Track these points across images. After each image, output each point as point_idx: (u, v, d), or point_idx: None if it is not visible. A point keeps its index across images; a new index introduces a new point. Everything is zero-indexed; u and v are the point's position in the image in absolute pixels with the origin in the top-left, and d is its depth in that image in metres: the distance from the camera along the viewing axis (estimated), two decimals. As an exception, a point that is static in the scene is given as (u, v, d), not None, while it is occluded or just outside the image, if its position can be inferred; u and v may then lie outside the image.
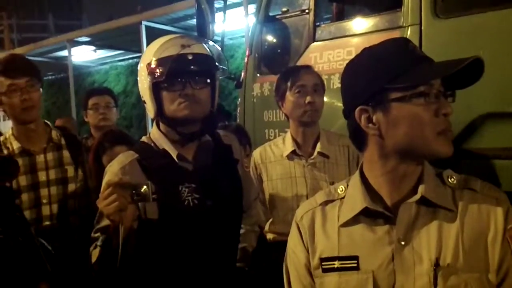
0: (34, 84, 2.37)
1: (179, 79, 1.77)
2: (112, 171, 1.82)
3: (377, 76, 1.20)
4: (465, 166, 1.91)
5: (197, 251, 1.82)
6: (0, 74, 2.33)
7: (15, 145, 2.38)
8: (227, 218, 1.91)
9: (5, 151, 2.35)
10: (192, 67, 1.78)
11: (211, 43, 1.94)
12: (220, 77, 1.94)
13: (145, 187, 1.60)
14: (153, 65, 1.77)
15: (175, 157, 1.84)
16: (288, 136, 2.62)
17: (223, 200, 1.88)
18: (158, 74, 1.76)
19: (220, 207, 1.86)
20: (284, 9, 3.50)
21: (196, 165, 1.87)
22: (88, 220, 2.44)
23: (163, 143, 1.87)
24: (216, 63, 1.87)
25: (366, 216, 1.26)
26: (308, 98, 2.48)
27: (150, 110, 1.87)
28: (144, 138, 1.96)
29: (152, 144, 1.90)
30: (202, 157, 1.89)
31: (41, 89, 2.42)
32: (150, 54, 1.81)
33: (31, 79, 2.36)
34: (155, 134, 1.91)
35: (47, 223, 2.39)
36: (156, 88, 1.80)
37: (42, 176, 2.40)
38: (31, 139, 2.43)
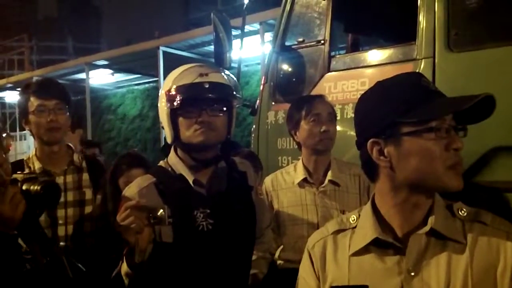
0: (62, 107, 2.43)
1: (195, 106, 1.82)
2: (130, 193, 1.86)
3: (389, 110, 1.23)
4: (477, 199, 1.92)
5: (209, 275, 1.83)
6: (32, 94, 2.40)
7: (37, 165, 2.43)
8: (240, 244, 1.93)
9: (27, 170, 2.40)
10: (208, 94, 1.82)
11: (227, 72, 1.98)
12: (237, 106, 1.98)
13: (161, 211, 1.62)
14: (171, 92, 1.82)
15: (191, 182, 1.87)
16: (300, 164, 2.65)
17: (236, 226, 1.90)
18: (176, 100, 1.81)
19: (233, 233, 1.88)
20: (300, 39, 3.55)
21: (211, 191, 1.90)
22: (104, 242, 2.49)
23: (180, 168, 1.90)
24: (233, 92, 1.90)
25: (377, 246, 1.28)
26: (323, 127, 2.51)
27: (167, 135, 1.91)
28: (161, 163, 1.99)
29: (169, 169, 1.93)
30: (217, 183, 1.92)
31: (68, 113, 2.47)
32: (170, 81, 1.87)
33: (60, 102, 2.42)
34: (172, 159, 1.94)
35: (62, 243, 2.42)
36: (173, 114, 1.85)
37: (62, 197, 2.44)
38: (53, 160, 2.48)
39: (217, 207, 1.86)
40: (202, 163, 1.90)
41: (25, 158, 2.48)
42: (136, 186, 1.88)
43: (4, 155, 1.66)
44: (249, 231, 2.00)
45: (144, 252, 1.68)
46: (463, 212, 1.29)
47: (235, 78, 2.01)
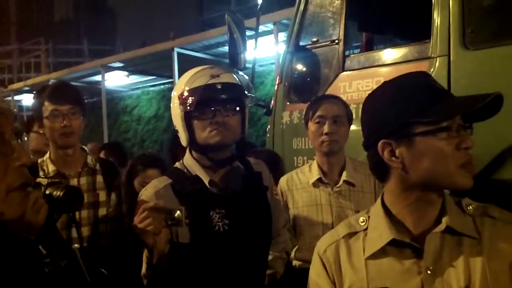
0: (76, 112, 2.45)
1: (209, 108, 1.84)
2: (146, 195, 1.88)
3: (401, 110, 1.23)
4: (495, 197, 1.91)
5: (225, 275, 1.85)
6: (46, 99, 2.43)
7: (51, 168, 2.46)
8: (256, 244, 1.94)
9: (41, 173, 2.43)
10: (221, 95, 1.84)
11: (240, 73, 2.00)
12: (249, 105, 1.99)
13: (178, 212, 1.64)
14: (184, 95, 1.85)
15: (207, 183, 1.89)
16: (315, 164, 2.65)
17: (252, 226, 1.91)
18: (189, 103, 1.83)
19: (249, 233, 1.89)
20: (314, 39, 3.56)
21: (227, 191, 1.91)
22: (119, 242, 2.51)
23: (196, 169, 1.92)
24: (245, 91, 1.92)
25: (393, 246, 1.28)
26: (325, 129, 2.51)
27: (182, 138, 1.93)
28: (177, 164, 2.01)
29: (185, 170, 1.95)
30: (232, 183, 1.94)
31: (82, 117, 2.50)
32: (182, 84, 1.88)
33: (74, 107, 2.45)
34: (188, 161, 1.96)
35: (76, 245, 2.45)
36: (187, 117, 1.87)
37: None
38: (67, 163, 2.50)
39: (232, 207, 1.88)
40: (218, 164, 1.92)
41: (39, 161, 2.51)
42: (152, 188, 1.90)
43: (30, 156, 1.67)
44: (264, 231, 2.00)
45: (162, 253, 1.70)
46: (471, 207, 1.30)
47: (246, 77, 2.03)
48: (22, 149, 1.28)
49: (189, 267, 1.83)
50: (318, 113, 2.54)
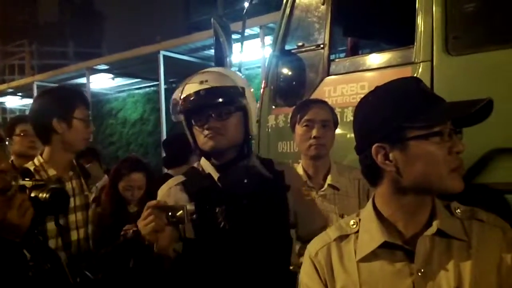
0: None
1: (202, 114, 1.85)
2: (160, 192, 1.94)
3: (395, 114, 1.24)
4: (474, 200, 1.94)
5: (230, 272, 1.85)
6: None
7: (51, 173, 2.42)
8: (264, 244, 1.90)
9: (37, 177, 2.39)
10: (210, 101, 1.84)
11: (233, 70, 1.98)
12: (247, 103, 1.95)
13: (181, 211, 1.66)
14: (180, 104, 1.88)
15: (216, 180, 1.90)
16: (300, 168, 2.66)
17: (260, 225, 1.88)
18: (184, 111, 1.88)
19: (257, 232, 1.87)
20: (300, 44, 3.58)
21: (235, 189, 1.89)
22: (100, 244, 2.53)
23: (208, 168, 1.94)
24: (238, 90, 1.90)
25: (384, 249, 1.29)
26: (313, 133, 2.51)
27: (191, 143, 1.99)
28: (195, 164, 2.06)
29: (200, 169, 1.98)
30: (242, 182, 1.90)
31: None
32: (179, 92, 1.91)
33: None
34: (202, 159, 2.00)
35: (75, 247, 2.46)
36: (188, 124, 1.92)
37: (71, 202, 2.47)
38: (63, 167, 2.49)
39: (237, 204, 1.87)
40: (223, 165, 1.93)
41: (32, 167, 2.43)
42: (166, 185, 1.95)
43: (9, 162, 1.66)
44: (275, 230, 1.94)
45: (164, 251, 1.72)
46: (460, 211, 1.32)
47: (241, 75, 2.01)
48: (1, 155, 1.27)
49: (195, 263, 1.85)
50: (306, 117, 2.55)
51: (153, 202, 1.69)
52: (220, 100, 1.86)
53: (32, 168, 2.38)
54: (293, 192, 2.01)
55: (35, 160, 2.44)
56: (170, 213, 1.66)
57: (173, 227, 1.72)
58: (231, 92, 1.89)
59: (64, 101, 2.45)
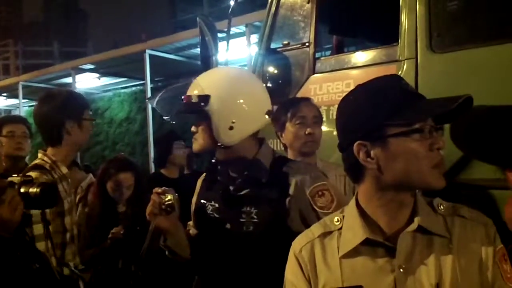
0: None
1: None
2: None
3: (375, 112, 1.26)
4: (457, 196, 1.96)
5: (218, 268, 1.95)
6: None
7: (64, 170, 2.47)
8: (250, 245, 1.88)
9: (56, 176, 2.41)
10: (182, 112, 2.03)
11: (199, 79, 1.97)
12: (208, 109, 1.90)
13: (169, 196, 1.86)
14: None
15: (217, 176, 2.03)
16: (287, 165, 2.66)
17: (247, 226, 1.87)
18: None
19: (243, 233, 1.87)
20: (285, 42, 3.59)
21: (227, 186, 1.97)
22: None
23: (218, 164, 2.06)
24: (204, 96, 1.87)
25: (366, 246, 1.30)
26: (308, 130, 2.54)
27: None
28: None
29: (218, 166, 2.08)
30: (229, 179, 1.98)
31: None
32: None
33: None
34: None
35: (73, 246, 2.49)
36: None
37: (65, 205, 2.49)
38: (69, 165, 2.56)
39: (225, 203, 1.96)
40: (209, 168, 2.11)
41: (46, 164, 2.43)
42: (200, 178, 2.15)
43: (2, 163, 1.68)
44: (263, 234, 1.87)
45: (165, 235, 1.93)
46: (443, 207, 1.34)
47: (206, 81, 1.94)
48: None
49: (196, 254, 2.03)
50: (299, 114, 2.57)
51: (156, 189, 1.88)
52: (187, 111, 2.00)
53: (47, 166, 2.42)
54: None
55: (45, 158, 2.45)
56: (163, 200, 1.85)
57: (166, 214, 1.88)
58: (191, 103, 1.91)
59: (75, 104, 2.53)
